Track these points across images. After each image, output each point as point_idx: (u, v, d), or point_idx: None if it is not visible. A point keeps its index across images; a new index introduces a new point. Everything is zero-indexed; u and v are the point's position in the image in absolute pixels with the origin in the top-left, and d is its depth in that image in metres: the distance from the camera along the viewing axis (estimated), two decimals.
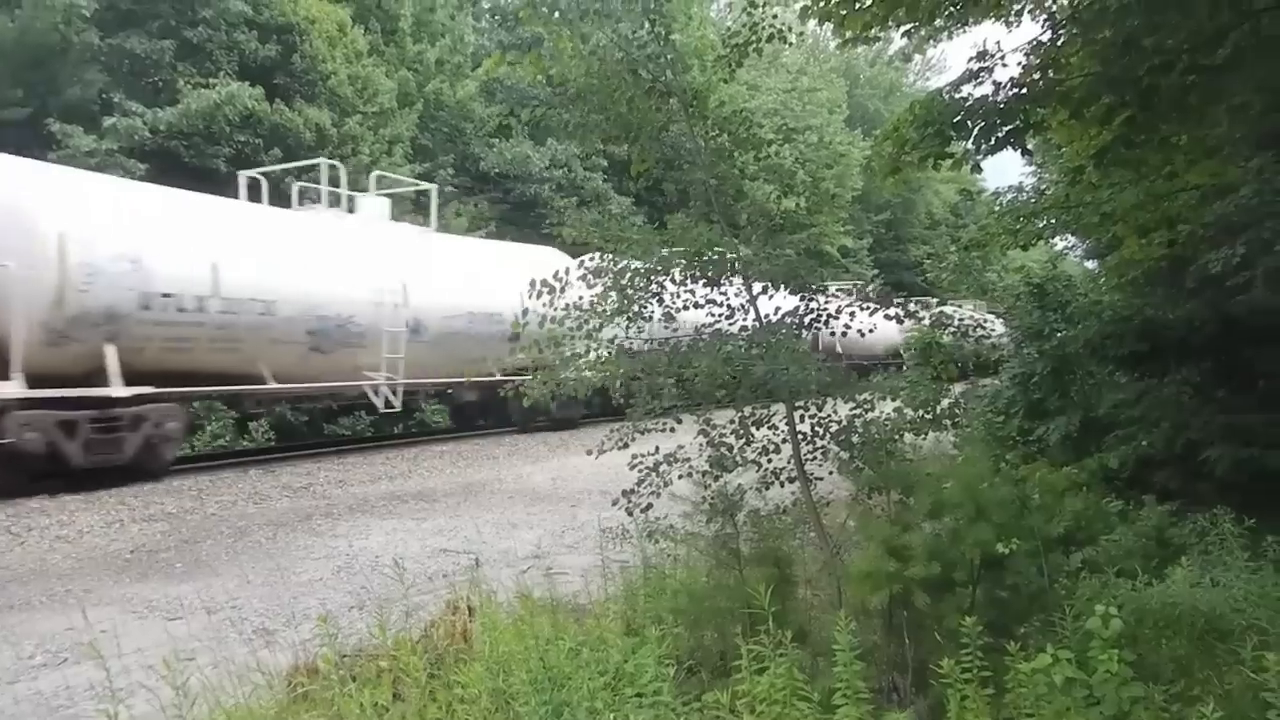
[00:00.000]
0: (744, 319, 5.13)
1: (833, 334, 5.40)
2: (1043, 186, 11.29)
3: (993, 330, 7.60)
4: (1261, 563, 4.59)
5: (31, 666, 4.95)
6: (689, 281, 5.01)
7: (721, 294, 5.12)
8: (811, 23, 7.00)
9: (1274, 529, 5.06)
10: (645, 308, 4.95)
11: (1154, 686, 3.06)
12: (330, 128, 21.84)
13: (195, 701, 3.38)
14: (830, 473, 5.20)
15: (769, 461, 5.11)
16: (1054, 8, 7.54)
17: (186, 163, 19.08)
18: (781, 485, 5.16)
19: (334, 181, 16.24)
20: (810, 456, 5.06)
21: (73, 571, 7.13)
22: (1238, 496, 5.90)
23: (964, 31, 7.80)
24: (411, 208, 22.00)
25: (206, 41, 20.28)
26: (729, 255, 5.02)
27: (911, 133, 6.72)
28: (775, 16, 5.29)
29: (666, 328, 5.13)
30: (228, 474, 12.10)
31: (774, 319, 5.13)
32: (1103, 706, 2.93)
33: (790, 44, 5.71)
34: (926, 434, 5.26)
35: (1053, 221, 8.99)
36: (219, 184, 17.33)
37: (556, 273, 4.97)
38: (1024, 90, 6.57)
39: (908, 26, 7.35)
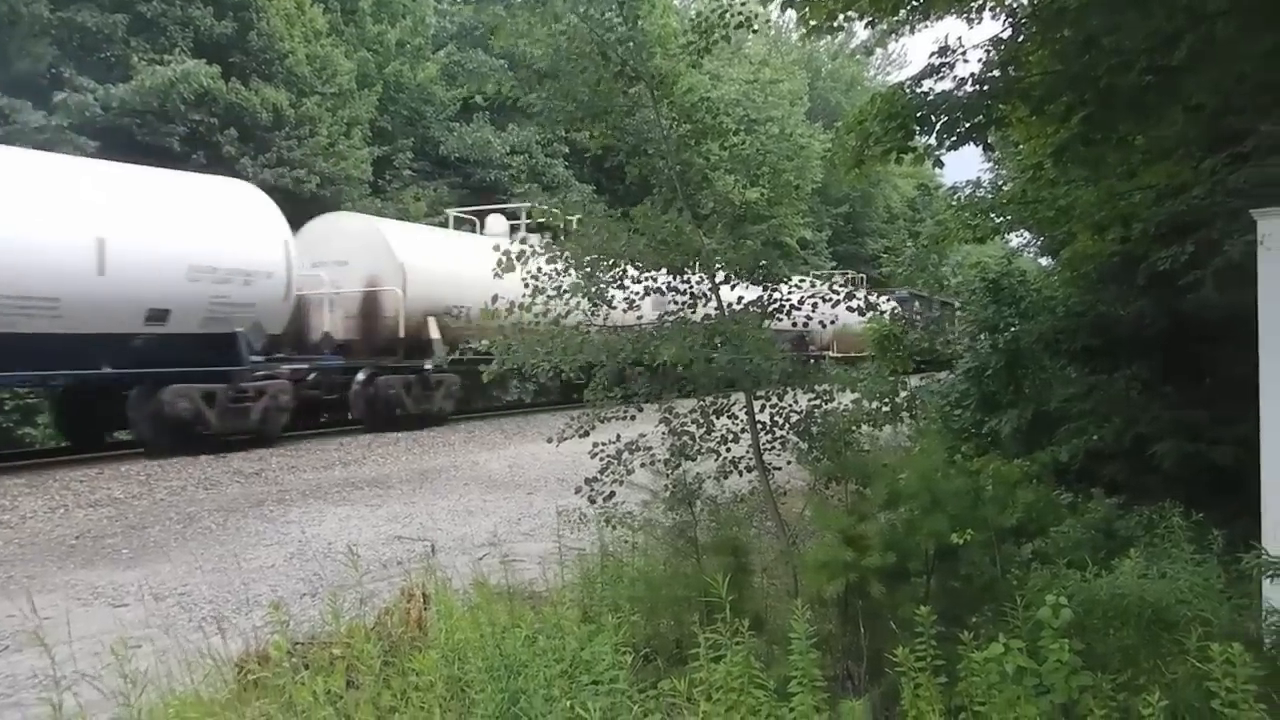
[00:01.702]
0: (706, 307, 5.13)
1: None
2: (1001, 183, 11.41)
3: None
4: (1206, 555, 4.69)
5: None
6: (652, 268, 5.00)
7: (685, 282, 5.11)
8: (774, 13, 6.99)
9: (1218, 522, 5.17)
10: (606, 290, 4.93)
11: (1102, 676, 3.11)
12: (288, 108, 21.48)
13: (144, 689, 3.31)
14: (789, 462, 5.23)
15: (728, 450, 5.12)
16: (1015, 5, 7.61)
17: (139, 141, 18.65)
18: (740, 474, 5.18)
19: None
20: (769, 446, 5.08)
21: (15, 557, 6.97)
22: (1183, 490, 6.01)
23: (926, 26, 7.85)
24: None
25: (160, 17, 19.81)
26: (693, 243, 5.01)
27: (875, 126, 6.74)
28: (743, 3, 5.28)
29: (627, 313, 5.12)
30: (177, 459, 11.89)
31: (737, 308, 5.14)
32: (1052, 695, 2.97)
33: (756, 30, 5.70)
34: (883, 425, 5.31)
35: (1009, 217, 9.10)
36: (172, 161, 16.97)
37: (522, 252, 4.94)
38: (985, 86, 6.63)
39: (870, 18, 7.38)
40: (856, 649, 3.80)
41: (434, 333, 16.77)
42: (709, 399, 5.06)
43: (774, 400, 5.12)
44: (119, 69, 19.20)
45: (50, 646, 3.43)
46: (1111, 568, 4.54)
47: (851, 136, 7.22)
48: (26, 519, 8.31)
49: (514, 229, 20.53)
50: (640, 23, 5.18)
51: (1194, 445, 6.68)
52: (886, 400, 5.28)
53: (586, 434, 4.87)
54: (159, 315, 12.22)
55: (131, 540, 7.49)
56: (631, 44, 4.90)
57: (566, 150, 29.29)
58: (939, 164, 7.10)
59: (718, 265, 5.09)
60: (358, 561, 4.73)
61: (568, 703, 3.13)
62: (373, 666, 3.52)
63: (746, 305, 5.19)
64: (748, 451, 5.08)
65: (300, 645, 3.96)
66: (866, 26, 7.58)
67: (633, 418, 5.06)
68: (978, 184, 10.43)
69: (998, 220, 9.10)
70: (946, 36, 7.01)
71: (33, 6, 17.98)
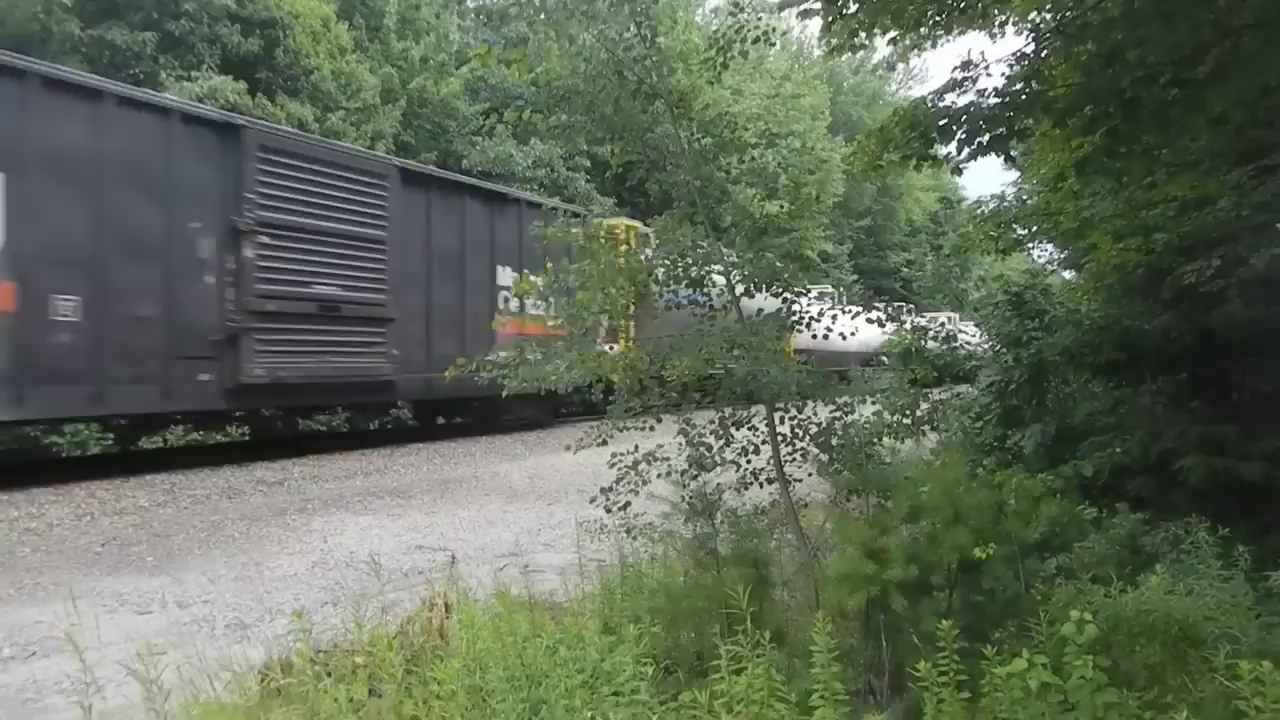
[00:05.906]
0: (726, 319, 5.14)
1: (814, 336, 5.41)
2: (1024, 197, 11.37)
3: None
4: (1233, 571, 4.63)
5: None
6: (672, 281, 5.02)
7: (704, 294, 5.12)
8: (796, 29, 7.01)
9: (1246, 539, 5.10)
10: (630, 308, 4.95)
11: (1128, 693, 3.08)
12: (313, 122, 21.72)
13: (168, 695, 3.34)
14: (809, 474, 5.22)
15: (748, 462, 5.12)
16: (1038, 21, 7.58)
17: None
18: (760, 486, 5.17)
19: None
20: (789, 458, 5.08)
21: (42, 564, 7.04)
22: (1210, 506, 5.94)
23: (948, 41, 7.84)
24: None
25: (189, 34, 20.14)
26: (713, 256, 5.03)
27: (896, 132, 6.73)
28: (760, 19, 5.30)
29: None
30: (201, 469, 11.99)
31: (756, 320, 5.14)
32: (1078, 712, 2.95)
33: (774, 44, 5.72)
34: (905, 438, 5.29)
35: (1032, 229, 9.06)
36: None
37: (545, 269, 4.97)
38: (1008, 99, 6.61)
39: (893, 34, 7.38)
40: (879, 663, 3.78)
41: None
42: (728, 410, 5.07)
43: (794, 412, 5.11)
44: (147, 85, 19.48)
45: (80, 651, 3.46)
46: (1137, 583, 4.50)
47: (871, 141, 7.20)
48: (54, 526, 8.40)
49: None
50: (660, 40, 5.20)
51: (1221, 460, 6.59)
52: (907, 413, 5.26)
53: (604, 443, 4.88)
54: None
55: (156, 548, 7.55)
56: (648, 62, 4.93)
57: (588, 164, 29.42)
58: (957, 171, 7.05)
59: (736, 277, 5.11)
60: (380, 571, 4.75)
61: (589, 713, 3.13)
62: (395, 675, 3.54)
63: (766, 317, 5.19)
64: (768, 463, 5.07)
65: (323, 653, 3.99)
66: (889, 44, 7.57)
67: (651, 428, 5.06)
68: (1001, 197, 10.41)
69: (1020, 232, 9.06)
70: (969, 51, 6.99)
71: (64, 25, 18.33)
